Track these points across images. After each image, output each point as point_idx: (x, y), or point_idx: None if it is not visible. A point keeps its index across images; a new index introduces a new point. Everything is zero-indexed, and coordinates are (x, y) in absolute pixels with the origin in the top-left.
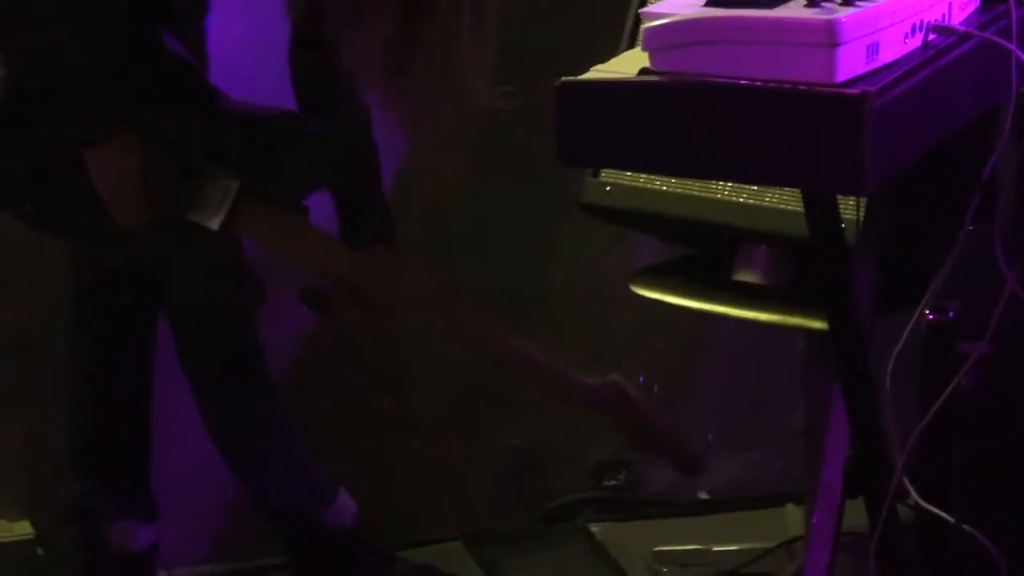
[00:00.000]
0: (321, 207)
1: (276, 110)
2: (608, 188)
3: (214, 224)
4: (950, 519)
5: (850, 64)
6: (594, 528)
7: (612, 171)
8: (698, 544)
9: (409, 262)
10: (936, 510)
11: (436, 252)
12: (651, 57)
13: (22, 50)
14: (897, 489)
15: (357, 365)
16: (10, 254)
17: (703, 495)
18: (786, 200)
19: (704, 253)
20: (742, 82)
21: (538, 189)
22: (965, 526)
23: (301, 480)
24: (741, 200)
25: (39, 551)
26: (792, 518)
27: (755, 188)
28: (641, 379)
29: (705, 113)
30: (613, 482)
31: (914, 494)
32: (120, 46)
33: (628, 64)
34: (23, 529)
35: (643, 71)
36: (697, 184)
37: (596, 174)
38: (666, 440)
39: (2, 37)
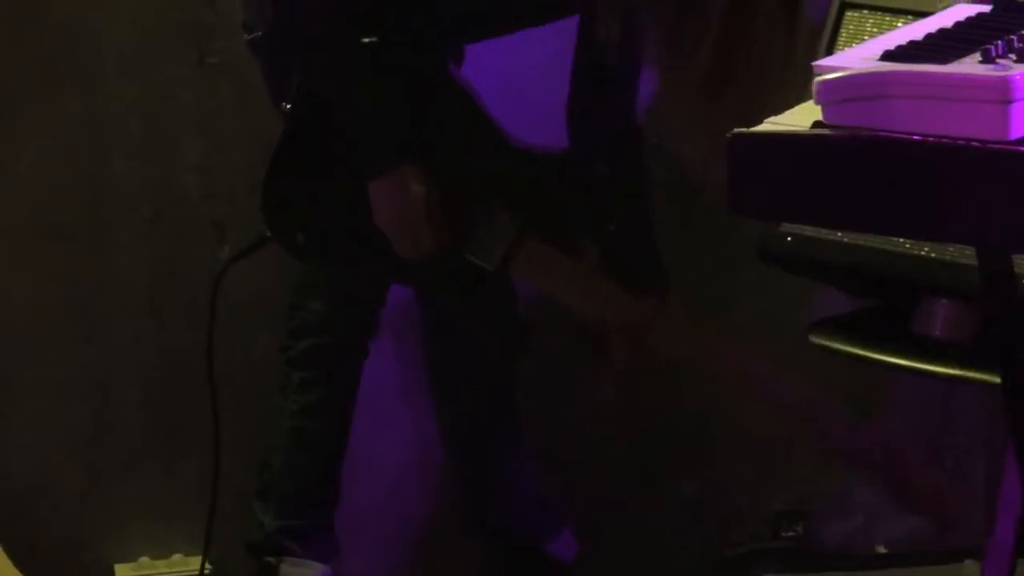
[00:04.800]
0: None
1: (561, 150)
2: (789, 238)
3: (491, 263)
4: None
5: None
6: None
7: None
8: None
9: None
10: None
11: None
12: (824, 110)
13: (315, 80)
14: None
15: (534, 407)
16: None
17: (881, 549)
18: (967, 254)
19: (885, 305)
20: (915, 137)
21: (720, 235)
22: None
23: (536, 506)
24: (922, 253)
25: None
26: (971, 575)
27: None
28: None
29: (877, 168)
30: (791, 533)
31: None
32: (411, 77)
33: (801, 116)
34: (198, 564)
35: (815, 124)
36: (877, 236)
37: (777, 224)
38: (931, 497)
39: (297, 65)
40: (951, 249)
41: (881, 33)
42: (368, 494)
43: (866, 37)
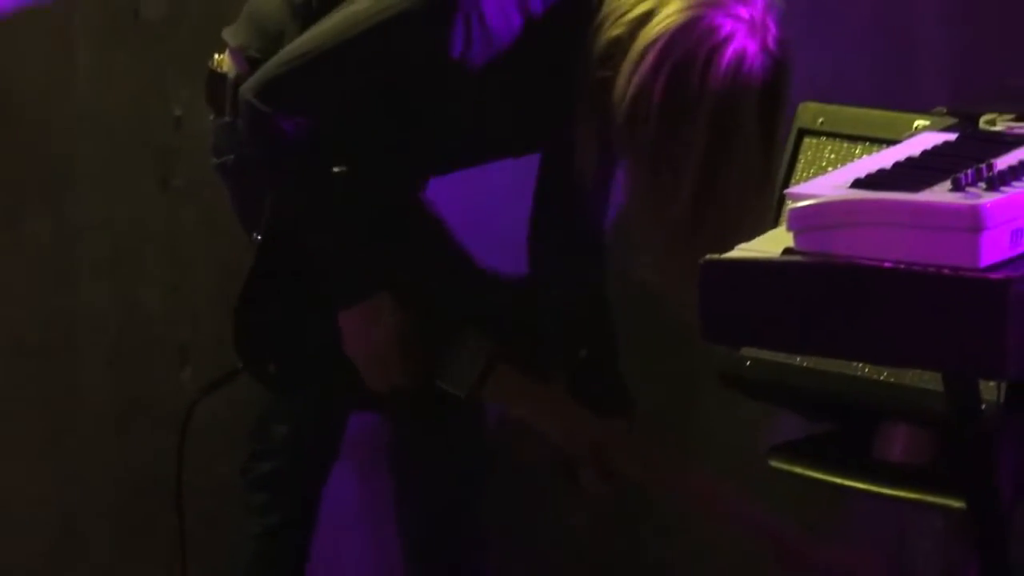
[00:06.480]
0: None
1: (527, 276)
2: (748, 362)
3: (463, 391)
4: None
5: (994, 249)
6: None
7: None
8: None
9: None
10: None
11: None
12: (795, 237)
13: (285, 208)
14: None
15: (501, 529)
16: None
17: None
18: (925, 379)
19: (844, 429)
20: (886, 264)
21: (678, 359)
22: None
23: None
24: (881, 378)
25: None
26: None
27: None
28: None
29: (849, 295)
30: None
31: None
32: (381, 207)
33: (772, 243)
34: None
35: (787, 251)
36: (836, 361)
37: (736, 347)
38: None
39: (267, 193)
40: (910, 374)
41: (839, 159)
42: None
43: (824, 163)
